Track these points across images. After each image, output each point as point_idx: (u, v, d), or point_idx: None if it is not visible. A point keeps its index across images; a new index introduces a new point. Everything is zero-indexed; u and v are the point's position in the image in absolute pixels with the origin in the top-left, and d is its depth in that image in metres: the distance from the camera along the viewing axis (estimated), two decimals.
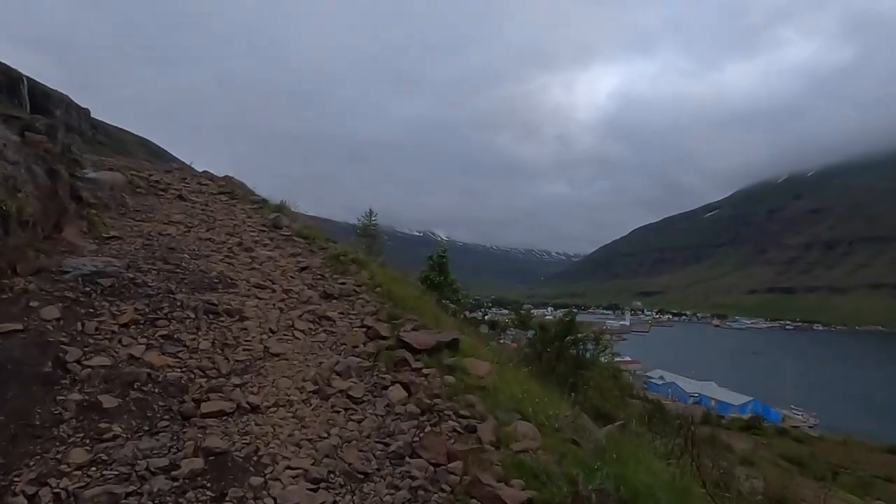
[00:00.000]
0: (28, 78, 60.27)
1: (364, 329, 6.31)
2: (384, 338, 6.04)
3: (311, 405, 4.45)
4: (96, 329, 4.94)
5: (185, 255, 7.92)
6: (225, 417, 4.04)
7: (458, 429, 4.19)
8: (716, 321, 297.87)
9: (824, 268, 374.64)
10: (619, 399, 13.78)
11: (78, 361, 4.29)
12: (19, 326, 4.49)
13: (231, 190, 14.57)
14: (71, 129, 63.31)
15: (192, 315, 5.77)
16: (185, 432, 3.79)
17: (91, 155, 13.72)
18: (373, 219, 23.44)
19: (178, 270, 7.14)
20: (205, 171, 18.04)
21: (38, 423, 3.50)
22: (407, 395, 4.66)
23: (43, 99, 60.10)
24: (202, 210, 11.75)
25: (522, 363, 12.01)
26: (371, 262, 9.57)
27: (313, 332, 6.12)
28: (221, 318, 5.91)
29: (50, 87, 61.69)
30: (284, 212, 12.98)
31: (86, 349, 4.54)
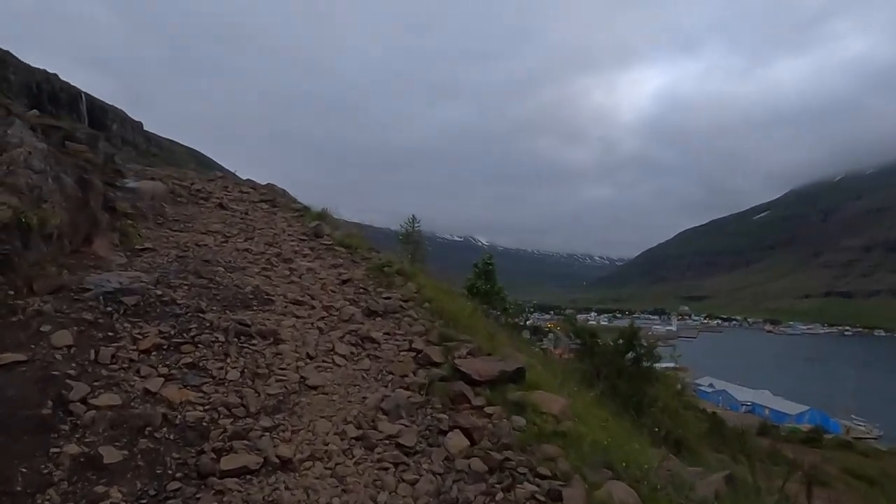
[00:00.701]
0: (86, 94, 62.81)
1: (413, 353, 5.50)
2: (436, 364, 5.22)
3: (353, 458, 3.66)
4: (112, 357, 4.29)
5: (220, 267, 7.33)
6: (249, 476, 3.29)
7: (539, 495, 3.30)
8: (768, 326, 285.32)
9: (886, 271, 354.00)
10: (688, 419, 12.56)
11: (83, 400, 3.63)
12: (22, 357, 3.88)
13: (272, 198, 14.12)
14: (126, 141, 65.87)
15: (222, 338, 5.08)
16: (198, 498, 3.04)
17: (134, 164, 13.50)
18: (415, 225, 22.76)
19: (211, 285, 6.52)
20: (248, 180, 17.78)
21: (19, 487, 2.82)
22: (469, 444, 3.81)
23: (100, 114, 62.51)
24: (241, 219, 11.25)
25: (577, 378, 10.99)
26: (418, 274, 8.79)
27: (356, 358, 5.36)
28: (254, 342, 5.21)
29: (107, 102, 64.08)
30: (326, 219, 12.38)
31: (95, 384, 3.88)
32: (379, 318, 6.53)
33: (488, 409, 4.20)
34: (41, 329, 4.36)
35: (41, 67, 58.62)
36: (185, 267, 7.03)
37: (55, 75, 59.40)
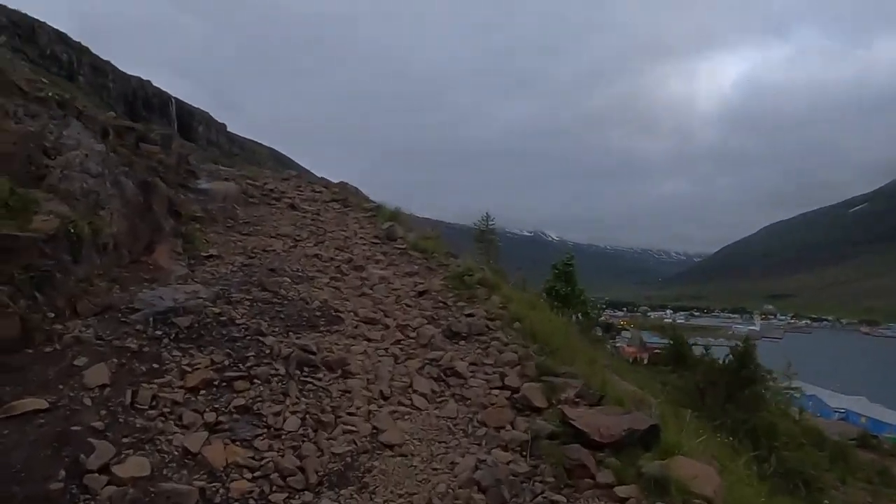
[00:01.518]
0: (176, 99, 66.15)
1: (507, 393, 4.46)
2: (538, 410, 4.15)
3: None
4: (152, 400, 3.54)
5: (287, 277, 6.59)
6: None
7: None
8: (864, 328, 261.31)
9: None
10: (811, 453, 10.76)
11: (104, 468, 2.86)
12: (44, 404, 3.17)
13: (344, 197, 13.48)
14: (210, 142, 68.93)
15: (283, 370, 4.26)
16: None
17: (208, 164, 13.30)
18: (489, 223, 21.67)
19: (275, 300, 5.77)
20: (322, 179, 17.36)
21: None
22: None
23: (188, 117, 65.69)
24: (312, 220, 10.62)
25: (677, 396, 9.58)
26: (501, 284, 7.73)
27: (438, 399, 4.39)
28: (319, 375, 4.35)
29: (193, 105, 67.30)
30: (399, 220, 11.56)
31: (124, 440, 3.12)
32: (462, 342, 5.53)
33: (620, 492, 3.09)
34: (75, 363, 3.68)
35: (136, 75, 62.24)
36: (250, 277, 6.33)
37: (148, 82, 62.92)
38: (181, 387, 3.80)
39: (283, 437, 3.54)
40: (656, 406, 4.50)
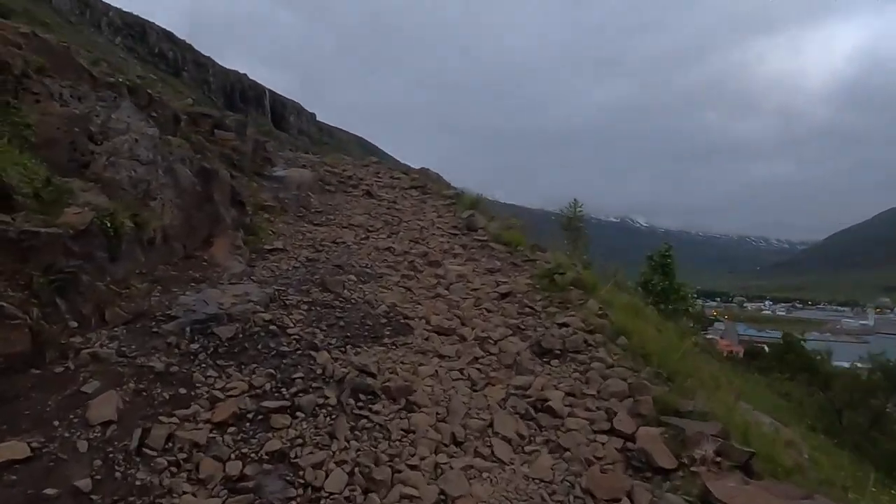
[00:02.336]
0: (270, 90, 68.79)
1: (619, 442, 3.36)
2: (664, 471, 3.01)
3: None
4: (167, 441, 2.80)
5: (352, 275, 5.79)
6: None
7: None
8: None
9: None
10: None
11: None
12: (26, 451, 2.49)
13: (423, 184, 12.65)
14: (301, 131, 71.33)
15: (333, 398, 3.41)
16: None
17: (287, 152, 12.93)
18: (578, 209, 20.08)
19: (337, 304, 4.97)
20: (404, 166, 16.66)
21: None
22: None
23: (280, 107, 68.16)
24: (388, 209, 9.85)
25: (810, 418, 7.92)
26: (598, 285, 6.51)
27: (527, 447, 3.36)
28: (377, 406, 3.47)
29: (286, 96, 69.73)
30: (480, 208, 10.54)
31: None
32: (555, 362, 4.45)
33: None
34: (83, 388, 3.01)
35: (234, 69, 65.25)
36: (312, 275, 5.59)
37: (245, 75, 65.81)
38: (207, 421, 3.04)
39: (323, 500, 2.67)
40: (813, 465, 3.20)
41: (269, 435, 3.04)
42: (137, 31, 58.78)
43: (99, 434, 2.72)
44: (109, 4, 54.95)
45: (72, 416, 2.79)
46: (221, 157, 9.12)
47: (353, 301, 5.10)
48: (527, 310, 5.58)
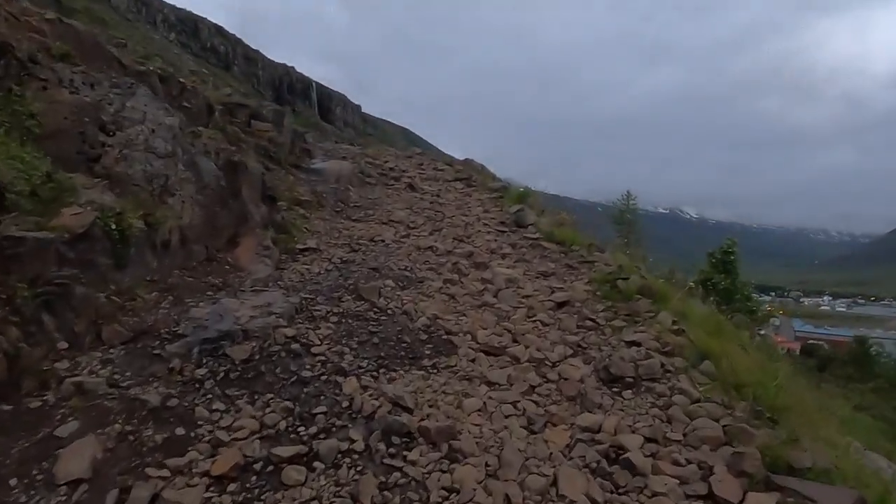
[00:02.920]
0: (317, 83, 69.31)
1: None
2: None
3: None
4: (151, 502, 2.18)
5: (389, 280, 5.15)
6: None
7: None
8: None
9: None
10: None
11: None
12: None
13: (468, 176, 11.93)
14: (346, 123, 71.55)
15: (361, 442, 2.78)
16: None
17: (327, 143, 12.44)
18: (631, 202, 18.92)
19: (371, 315, 4.34)
20: (447, 156, 15.97)
21: None
22: None
23: (327, 100, 68.62)
24: (430, 203, 9.20)
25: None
26: (669, 292, 5.64)
27: None
28: (412, 455, 2.79)
29: (332, 89, 70.12)
30: (529, 202, 9.74)
31: None
32: (628, 393, 3.68)
33: None
34: (57, 432, 2.46)
35: (282, 62, 66.02)
36: (346, 280, 4.99)
37: (292, 68, 66.44)
38: (204, 473, 2.46)
39: None
40: None
41: (279, 496, 2.42)
42: (190, 26, 60.14)
43: (63, 498, 2.16)
44: (164, 1, 56.34)
45: (35, 472, 2.25)
46: (257, 148, 8.68)
47: (389, 311, 4.46)
48: (588, 323, 4.81)
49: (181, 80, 7.32)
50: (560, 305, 5.18)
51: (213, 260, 4.76)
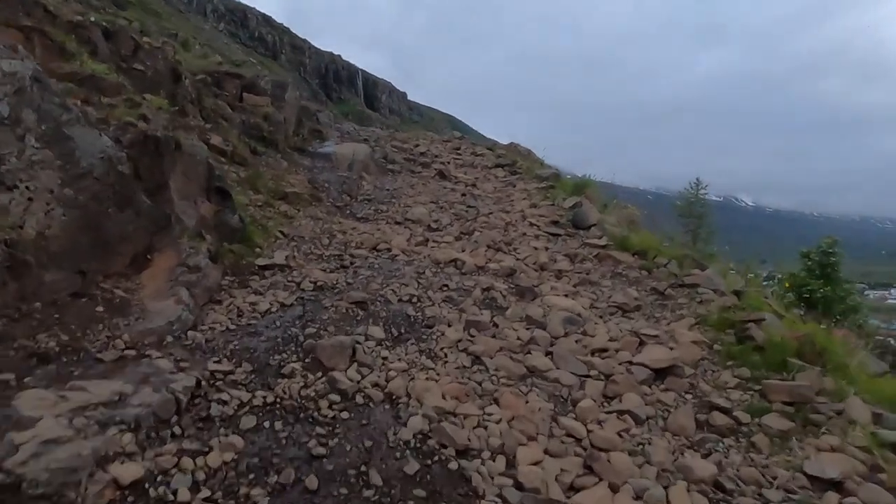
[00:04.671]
0: (362, 70, 67.97)
1: None
2: None
3: None
4: None
5: (378, 325, 3.13)
6: None
7: None
8: None
9: None
10: None
11: None
12: None
13: (511, 162, 9.75)
14: (391, 110, 69.58)
15: None
16: None
17: (345, 124, 10.48)
18: (700, 191, 16.17)
19: (323, 410, 2.34)
20: (491, 142, 13.79)
21: None
22: None
23: (372, 87, 67.17)
24: (462, 196, 7.09)
25: None
26: (833, 345, 3.35)
27: None
28: None
29: (377, 76, 68.52)
30: (588, 194, 7.51)
31: None
32: None
33: None
34: None
35: (328, 51, 64.88)
36: (304, 327, 3.00)
37: (339, 56, 65.19)
38: None
39: None
40: None
41: None
42: (239, 16, 59.69)
43: None
44: None
45: None
46: (245, 126, 6.82)
47: (358, 400, 2.43)
48: (720, 423, 2.62)
49: (133, 36, 5.47)
50: (659, 375, 3.01)
51: (87, 296, 2.85)
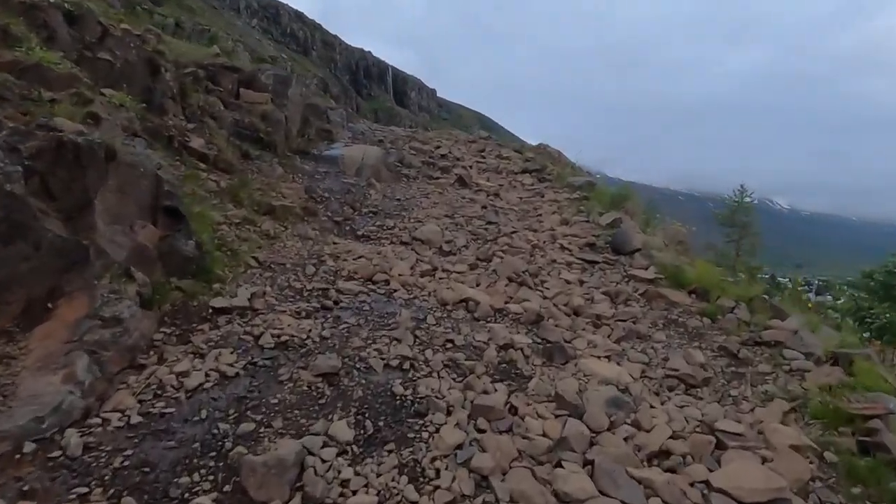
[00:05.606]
0: (392, 67, 67.33)
1: None
2: None
3: None
4: None
5: (350, 412, 2.19)
6: None
7: None
8: None
9: None
10: None
11: None
12: None
13: (540, 167, 8.70)
14: (421, 107, 68.68)
15: None
16: None
17: (360, 124, 9.55)
18: (746, 198, 14.77)
19: None
20: (521, 141, 12.70)
21: None
22: None
23: (402, 84, 66.45)
24: (483, 208, 6.11)
25: None
26: None
27: None
28: None
29: (407, 73, 67.72)
30: (628, 207, 6.47)
31: None
32: None
33: None
34: None
35: (359, 47, 64.38)
36: (238, 421, 2.10)
37: (369, 52, 64.65)
38: None
39: None
40: None
41: None
42: (272, 12, 59.68)
43: None
44: None
45: None
46: (236, 127, 5.98)
47: None
48: None
49: (100, 21, 4.64)
50: None
51: None
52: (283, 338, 2.80)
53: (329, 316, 3.18)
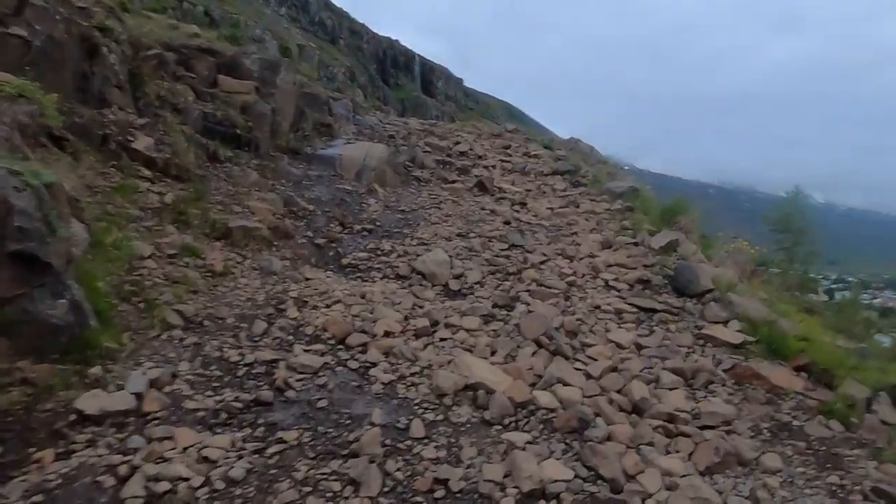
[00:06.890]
0: (420, 56, 65.84)
1: None
2: None
3: None
4: None
5: None
6: None
7: None
8: None
9: None
10: None
11: None
12: None
13: (573, 167, 7.36)
14: (448, 97, 67.06)
15: None
16: None
17: (369, 117, 8.33)
18: (803, 200, 13.05)
19: None
20: (550, 133, 11.33)
21: None
22: None
23: (429, 73, 64.95)
24: (506, 224, 4.86)
25: None
26: None
27: None
28: None
29: (434, 62, 66.05)
30: (684, 224, 5.14)
31: None
32: None
33: None
34: None
35: (387, 36, 63.04)
36: None
37: (396, 41, 63.30)
38: None
39: None
40: None
41: None
42: (300, 1, 58.85)
43: None
44: None
45: None
46: (208, 121, 4.84)
47: None
48: None
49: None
50: None
51: None
52: (161, 487, 1.65)
53: (259, 423, 2.02)
